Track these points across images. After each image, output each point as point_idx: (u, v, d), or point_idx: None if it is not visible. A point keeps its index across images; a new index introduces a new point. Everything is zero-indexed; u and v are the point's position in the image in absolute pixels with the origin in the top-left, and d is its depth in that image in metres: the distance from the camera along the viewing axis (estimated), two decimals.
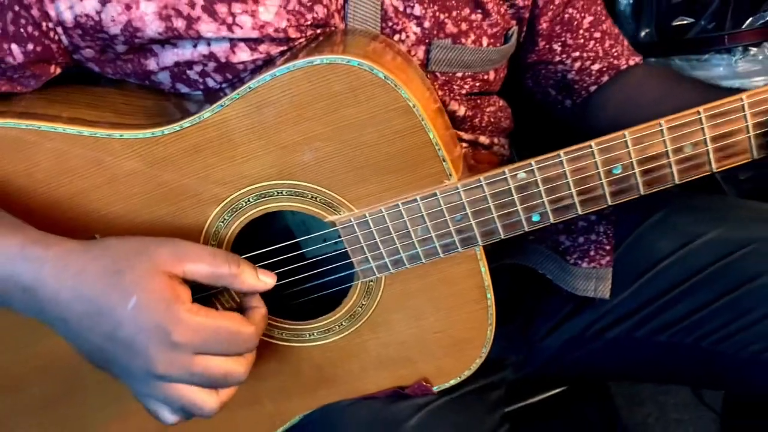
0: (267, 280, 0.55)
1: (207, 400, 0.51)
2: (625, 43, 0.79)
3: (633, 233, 0.76)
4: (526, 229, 0.56)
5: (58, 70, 0.61)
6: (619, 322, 0.76)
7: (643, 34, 1.51)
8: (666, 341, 0.74)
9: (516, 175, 0.54)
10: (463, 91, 0.70)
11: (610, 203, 0.54)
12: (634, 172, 0.53)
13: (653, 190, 0.54)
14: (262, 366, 0.63)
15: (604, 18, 0.77)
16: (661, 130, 0.51)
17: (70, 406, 0.66)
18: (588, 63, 0.77)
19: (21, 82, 0.59)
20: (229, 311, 0.52)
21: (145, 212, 0.58)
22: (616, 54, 0.77)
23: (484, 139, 0.74)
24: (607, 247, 0.75)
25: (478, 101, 0.73)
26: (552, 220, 0.55)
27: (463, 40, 0.67)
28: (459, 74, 0.68)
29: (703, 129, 0.51)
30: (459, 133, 0.71)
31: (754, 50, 1.41)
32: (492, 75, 0.72)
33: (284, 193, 0.57)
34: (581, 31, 0.75)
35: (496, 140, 0.76)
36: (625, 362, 0.80)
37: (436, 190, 0.55)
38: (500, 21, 0.69)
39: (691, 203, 0.77)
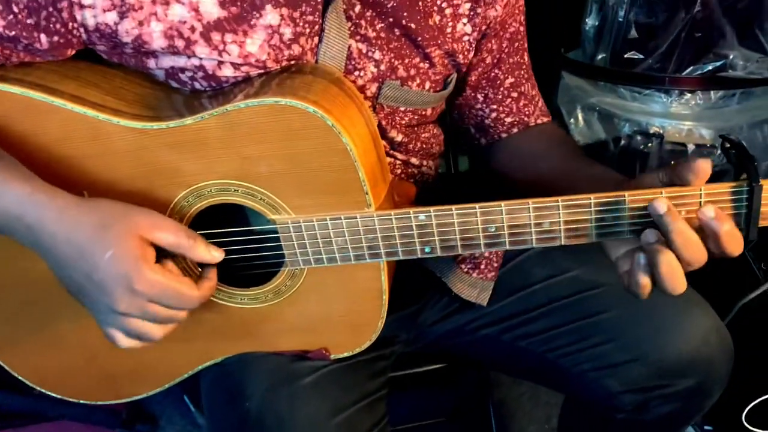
0: (215, 254, 0.71)
1: (153, 330, 0.68)
2: (540, 104, 0.95)
3: (517, 258, 0.94)
4: (419, 256, 0.73)
5: (74, 52, 0.73)
6: (491, 324, 0.94)
7: (599, 57, 1.65)
8: (524, 347, 0.93)
9: (418, 216, 0.71)
10: (404, 122, 0.85)
11: (483, 250, 0.71)
12: (504, 233, 0.70)
13: (516, 247, 0.71)
14: (201, 315, 0.79)
15: (524, 81, 0.92)
16: (529, 207, 0.68)
17: (43, 310, 0.80)
18: (503, 115, 0.92)
19: (42, 56, 0.72)
20: (182, 276, 0.68)
21: (125, 182, 0.72)
22: (527, 112, 0.93)
23: (415, 161, 0.90)
24: (495, 265, 0.93)
25: (416, 128, 0.88)
26: (439, 254, 0.72)
27: (410, 83, 0.81)
28: (402, 108, 0.83)
29: (559, 213, 0.68)
30: (395, 153, 0.87)
31: (688, 96, 1.57)
32: (430, 111, 0.87)
33: (240, 191, 0.72)
34: (502, 89, 0.91)
35: (425, 162, 0.92)
36: (492, 356, 0.99)
37: (357, 214, 0.71)
38: (443, 70, 0.83)
39: None
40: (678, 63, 1.53)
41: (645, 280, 0.65)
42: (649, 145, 1.62)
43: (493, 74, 0.89)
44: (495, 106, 0.91)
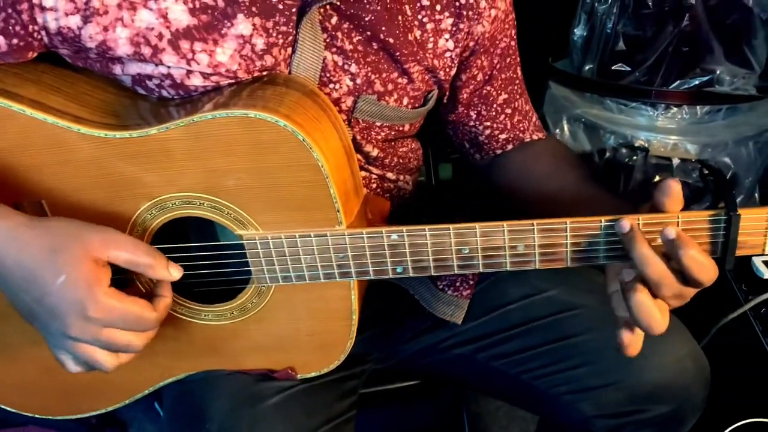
0: (174, 273, 0.68)
1: (107, 360, 0.65)
2: (534, 119, 0.93)
3: (493, 276, 0.92)
4: (391, 276, 0.71)
5: (35, 55, 0.70)
6: (465, 343, 0.92)
7: (586, 68, 1.64)
8: (498, 367, 0.91)
9: (390, 236, 0.68)
10: (380, 137, 0.82)
11: (456, 272, 0.69)
12: (478, 255, 0.68)
13: (490, 270, 0.69)
14: (163, 331, 0.76)
15: (518, 97, 0.90)
16: (503, 230, 0.66)
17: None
18: (497, 132, 0.90)
19: (1, 58, 0.69)
20: (138, 298, 0.65)
21: (87, 192, 0.70)
22: (522, 128, 0.91)
23: (391, 176, 0.88)
24: (471, 282, 0.91)
25: (393, 143, 0.86)
26: (411, 274, 0.70)
27: (387, 98, 0.79)
28: (378, 123, 0.81)
29: (534, 237, 0.66)
30: (370, 167, 0.85)
31: (674, 110, 1.57)
32: (407, 127, 0.85)
33: (205, 204, 0.69)
34: (495, 106, 0.88)
35: (401, 177, 0.90)
36: (466, 375, 0.97)
37: (327, 232, 0.69)
38: (422, 86, 0.81)
39: None
40: (665, 77, 1.52)
41: (626, 337, 0.66)
42: (634, 158, 1.61)
43: (485, 91, 0.87)
44: (489, 123, 0.90)
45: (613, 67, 1.55)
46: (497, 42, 0.84)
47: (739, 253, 0.64)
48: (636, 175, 1.61)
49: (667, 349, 0.82)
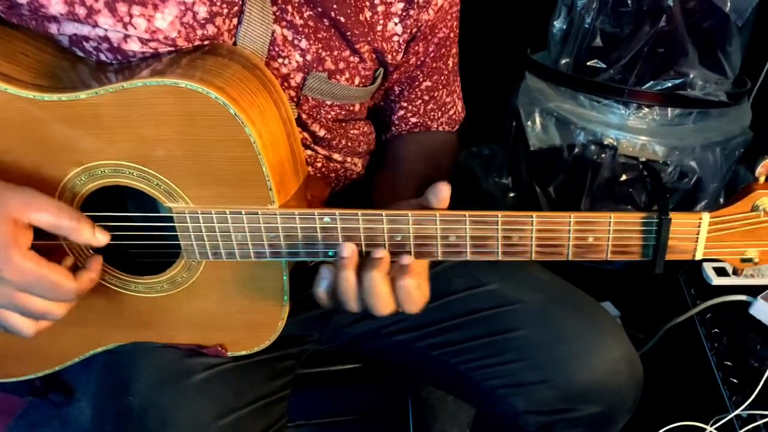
0: (100, 237, 0.66)
1: (25, 325, 0.64)
2: (451, 113, 0.95)
3: (440, 265, 0.92)
4: (322, 259, 0.69)
5: None
6: (406, 331, 0.91)
7: (563, 62, 1.63)
8: (436, 356, 0.90)
9: (323, 218, 0.67)
10: (329, 116, 0.81)
11: None
12: (410, 243, 0.67)
13: (422, 258, 0.68)
14: (93, 300, 0.75)
15: (440, 87, 0.90)
16: (436, 219, 0.65)
17: None
18: (408, 115, 0.92)
19: None
20: (58, 265, 0.63)
21: (15, 154, 0.67)
22: (432, 117, 0.92)
23: (337, 157, 0.86)
24: None
25: (343, 124, 0.84)
26: None
27: (338, 77, 0.77)
28: (329, 102, 0.79)
29: (466, 228, 0.65)
30: (316, 147, 0.83)
31: (646, 110, 1.56)
32: (358, 107, 0.83)
33: (135, 174, 0.68)
34: (417, 90, 0.89)
35: (349, 159, 0.88)
36: (406, 362, 0.97)
37: (259, 210, 0.67)
38: (372, 66, 0.80)
39: None
40: (639, 76, 1.52)
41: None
42: (603, 155, 1.61)
43: (414, 74, 0.87)
44: (405, 104, 0.91)
45: (588, 63, 1.55)
46: (436, 31, 0.83)
47: (670, 257, 0.64)
48: (603, 172, 1.61)
49: (603, 350, 0.82)
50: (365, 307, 0.66)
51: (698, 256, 0.63)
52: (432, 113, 0.92)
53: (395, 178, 0.85)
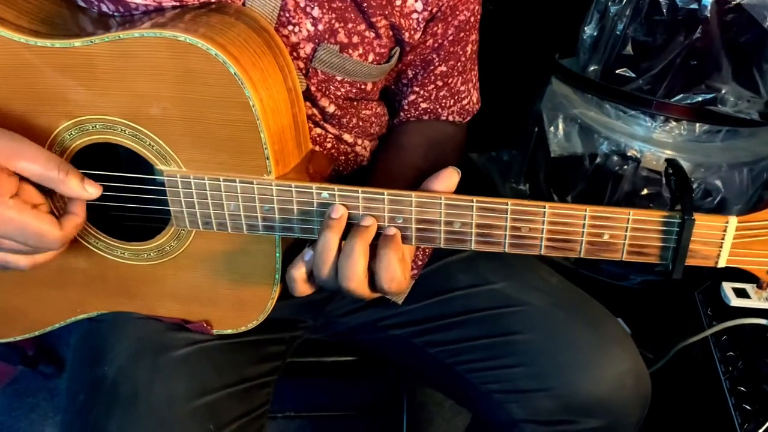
0: (91, 190, 0.62)
1: (20, 260, 0.61)
2: (464, 102, 0.89)
3: (443, 260, 0.87)
4: (317, 237, 0.65)
5: None
6: (403, 325, 0.87)
7: (591, 68, 1.59)
8: (432, 354, 0.86)
9: (321, 193, 0.63)
10: (339, 93, 0.77)
11: None
12: (411, 227, 0.62)
13: (423, 244, 0.64)
14: (75, 263, 0.72)
15: (456, 74, 0.85)
16: (441, 203, 0.61)
17: None
18: (420, 100, 0.86)
19: None
20: (42, 213, 0.60)
21: (5, 101, 0.64)
22: (444, 104, 0.87)
23: (348, 138, 0.82)
24: (420, 263, 0.86)
25: (355, 103, 0.80)
26: None
27: (351, 51, 0.73)
28: (339, 78, 0.75)
29: (472, 215, 0.61)
30: (326, 125, 0.79)
31: (673, 124, 1.51)
32: (370, 86, 0.79)
33: (126, 132, 0.64)
34: (431, 75, 0.84)
35: (359, 141, 0.84)
36: (401, 358, 0.93)
37: (254, 180, 0.63)
38: (388, 43, 0.76)
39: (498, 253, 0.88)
40: (668, 88, 1.47)
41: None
42: (625, 167, 1.56)
43: (429, 57, 0.82)
44: (417, 89, 0.85)
45: (617, 71, 1.50)
46: (457, 13, 0.79)
47: (690, 262, 0.59)
48: (624, 185, 1.56)
49: (609, 362, 0.77)
50: (338, 278, 0.62)
51: (721, 264, 0.58)
52: (444, 100, 0.87)
53: (392, 167, 0.81)
